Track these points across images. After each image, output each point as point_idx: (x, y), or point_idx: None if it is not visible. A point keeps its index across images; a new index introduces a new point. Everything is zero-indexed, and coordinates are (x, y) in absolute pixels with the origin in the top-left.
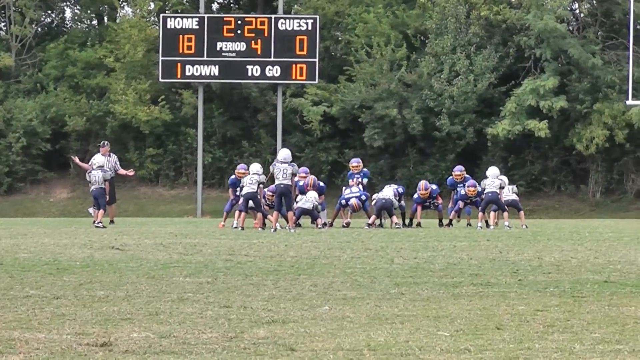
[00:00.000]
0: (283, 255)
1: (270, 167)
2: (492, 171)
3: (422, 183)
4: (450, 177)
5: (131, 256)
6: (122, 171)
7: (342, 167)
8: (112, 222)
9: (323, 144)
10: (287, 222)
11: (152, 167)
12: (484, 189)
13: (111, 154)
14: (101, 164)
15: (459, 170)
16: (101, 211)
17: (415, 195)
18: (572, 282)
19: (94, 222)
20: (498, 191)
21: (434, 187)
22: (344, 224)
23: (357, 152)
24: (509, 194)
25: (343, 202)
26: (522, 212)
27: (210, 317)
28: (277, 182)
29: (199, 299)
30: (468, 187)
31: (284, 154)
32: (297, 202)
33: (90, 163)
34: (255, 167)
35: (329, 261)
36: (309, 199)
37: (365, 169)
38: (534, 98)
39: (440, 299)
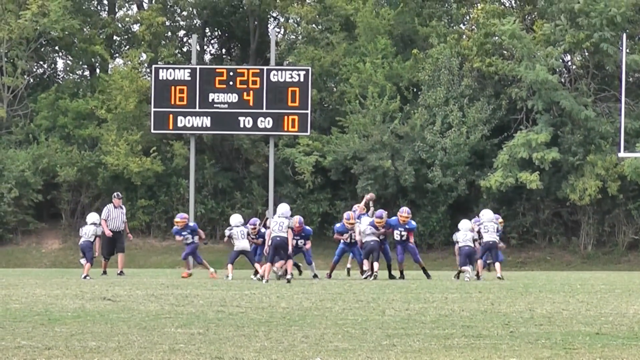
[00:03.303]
0: (275, 306)
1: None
2: (488, 215)
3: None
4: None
5: (123, 307)
6: (126, 226)
7: (333, 218)
8: (121, 272)
9: (314, 195)
10: (286, 271)
11: (144, 218)
12: (479, 233)
13: (122, 205)
14: (94, 221)
15: (406, 212)
16: (88, 265)
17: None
18: (564, 334)
19: (82, 275)
20: (496, 238)
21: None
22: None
23: (348, 203)
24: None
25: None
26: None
27: None
28: (273, 234)
29: (190, 350)
30: (376, 217)
31: (283, 209)
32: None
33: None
34: (237, 218)
35: (320, 312)
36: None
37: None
38: (526, 150)
39: (432, 351)
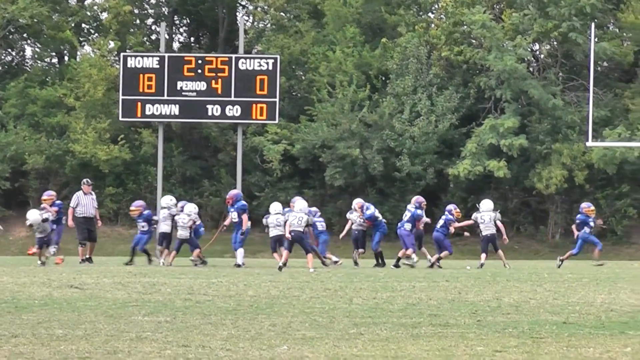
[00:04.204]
0: (242, 294)
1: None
2: (487, 205)
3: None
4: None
5: (90, 295)
6: (97, 213)
7: None
8: (90, 259)
9: (283, 184)
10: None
11: (112, 206)
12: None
13: (92, 192)
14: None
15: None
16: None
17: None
18: (531, 323)
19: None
20: (495, 230)
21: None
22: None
23: (316, 191)
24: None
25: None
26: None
27: (169, 357)
28: (291, 228)
29: (157, 338)
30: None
31: (301, 204)
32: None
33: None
34: (190, 207)
35: (288, 301)
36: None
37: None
38: (495, 137)
39: (399, 339)
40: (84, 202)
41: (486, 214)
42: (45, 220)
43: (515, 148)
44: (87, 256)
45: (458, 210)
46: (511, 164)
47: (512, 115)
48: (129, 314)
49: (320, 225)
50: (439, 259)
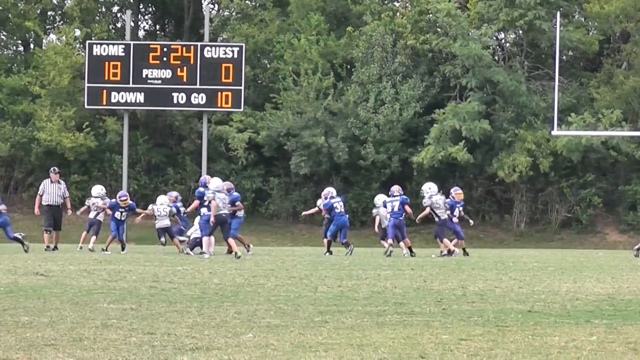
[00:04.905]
0: (207, 282)
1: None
2: (435, 187)
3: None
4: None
5: (55, 282)
6: (67, 201)
7: (266, 195)
8: (56, 248)
9: (248, 172)
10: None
11: (77, 193)
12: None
13: (60, 180)
14: None
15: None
16: None
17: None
18: (496, 311)
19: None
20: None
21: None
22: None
23: (281, 179)
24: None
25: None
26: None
27: (134, 344)
28: (217, 211)
29: (123, 325)
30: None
31: (216, 182)
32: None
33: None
34: (162, 198)
35: (253, 289)
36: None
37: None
38: (457, 122)
39: (365, 328)
40: (50, 191)
41: (439, 197)
42: None
43: (477, 133)
44: (54, 245)
45: (459, 192)
46: (475, 152)
47: (477, 104)
48: (95, 301)
49: (340, 206)
50: (450, 251)
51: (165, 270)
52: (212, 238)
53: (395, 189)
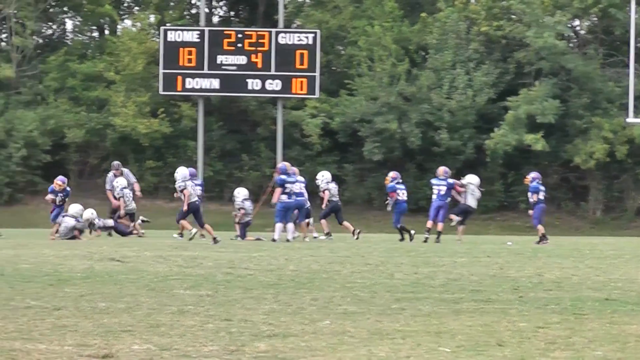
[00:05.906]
0: (283, 269)
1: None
2: (476, 180)
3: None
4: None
5: (131, 268)
6: (137, 186)
7: (341, 181)
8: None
9: (322, 158)
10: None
11: (152, 179)
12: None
13: (123, 170)
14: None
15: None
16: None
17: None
18: (573, 299)
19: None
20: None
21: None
22: None
23: (356, 166)
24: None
25: None
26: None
27: (211, 330)
28: (190, 199)
29: (199, 311)
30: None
31: (182, 172)
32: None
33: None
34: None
35: (329, 275)
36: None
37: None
38: (530, 107)
39: (441, 315)
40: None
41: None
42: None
43: (551, 116)
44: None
45: (527, 177)
46: (550, 139)
47: (551, 90)
48: (170, 287)
49: (402, 193)
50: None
51: (241, 257)
52: (291, 224)
53: (441, 171)
